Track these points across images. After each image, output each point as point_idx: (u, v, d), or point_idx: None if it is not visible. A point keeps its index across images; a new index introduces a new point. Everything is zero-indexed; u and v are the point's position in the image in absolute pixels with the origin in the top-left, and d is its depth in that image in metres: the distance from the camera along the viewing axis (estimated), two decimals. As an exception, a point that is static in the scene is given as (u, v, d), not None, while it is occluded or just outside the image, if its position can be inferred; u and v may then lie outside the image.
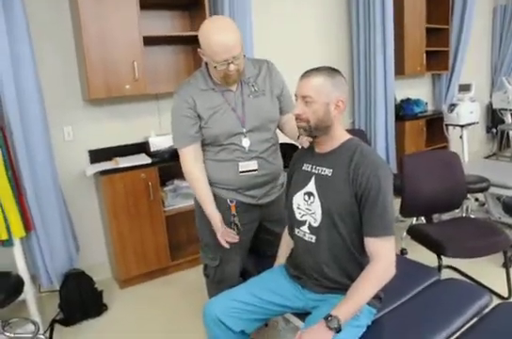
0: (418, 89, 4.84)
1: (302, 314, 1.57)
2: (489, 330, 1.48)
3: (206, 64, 1.73)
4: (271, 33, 3.53)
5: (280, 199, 1.87)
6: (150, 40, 2.74)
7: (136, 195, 2.73)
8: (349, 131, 1.55)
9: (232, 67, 1.60)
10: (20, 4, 2.22)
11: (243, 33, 2.94)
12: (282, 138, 1.94)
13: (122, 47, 2.60)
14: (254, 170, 1.77)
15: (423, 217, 3.11)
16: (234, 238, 1.75)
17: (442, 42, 4.64)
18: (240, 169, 1.76)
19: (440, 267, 2.24)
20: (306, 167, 1.53)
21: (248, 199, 1.82)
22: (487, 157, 5.45)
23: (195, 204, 1.95)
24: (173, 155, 2.58)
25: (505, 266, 2.44)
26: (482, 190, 3.00)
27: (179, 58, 3.13)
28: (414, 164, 2.54)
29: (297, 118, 1.45)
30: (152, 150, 2.91)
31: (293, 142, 1.88)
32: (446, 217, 3.10)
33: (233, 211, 1.81)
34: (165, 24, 3.02)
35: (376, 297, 1.44)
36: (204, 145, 1.80)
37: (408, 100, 4.52)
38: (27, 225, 2.27)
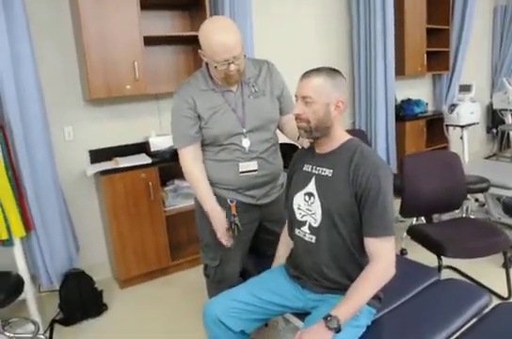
0: (418, 90, 4.84)
1: (302, 315, 1.57)
2: (489, 331, 1.48)
3: (207, 64, 1.73)
4: (271, 33, 3.53)
5: (279, 199, 1.87)
6: (150, 40, 2.75)
7: (137, 195, 2.73)
8: (350, 131, 1.55)
9: (232, 67, 1.60)
10: (20, 3, 2.22)
11: (243, 33, 2.94)
12: (282, 139, 1.94)
13: (123, 47, 2.61)
14: (254, 171, 1.77)
15: (423, 218, 3.11)
16: (230, 241, 1.80)
17: (443, 43, 4.64)
18: (240, 170, 1.76)
19: (439, 268, 2.24)
20: (306, 167, 1.54)
21: (247, 199, 1.82)
22: (487, 158, 5.45)
23: (195, 204, 1.96)
24: (173, 155, 2.58)
25: (505, 266, 2.44)
26: (482, 191, 3.00)
27: (179, 58, 3.14)
28: (414, 164, 2.54)
29: (297, 118, 1.45)
30: (152, 150, 2.91)
31: (293, 142, 1.88)
32: (446, 217, 3.10)
33: (234, 211, 1.81)
34: (165, 24, 3.02)
35: (376, 297, 1.44)
36: (204, 145, 1.80)
37: (409, 100, 4.52)
38: (27, 225, 2.28)
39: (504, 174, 3.23)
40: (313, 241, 1.48)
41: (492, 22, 5.61)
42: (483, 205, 3.58)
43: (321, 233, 1.46)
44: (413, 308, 1.63)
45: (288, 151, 2.05)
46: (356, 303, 1.32)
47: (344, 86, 1.45)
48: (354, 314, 1.33)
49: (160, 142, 2.92)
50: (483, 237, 2.28)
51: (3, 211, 2.12)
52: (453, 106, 3.89)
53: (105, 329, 2.41)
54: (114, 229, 2.70)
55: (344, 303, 1.31)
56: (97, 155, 2.90)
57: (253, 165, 1.77)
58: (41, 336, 2.15)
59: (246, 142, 1.75)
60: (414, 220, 3.32)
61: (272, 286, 1.57)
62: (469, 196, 3.25)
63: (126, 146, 3.00)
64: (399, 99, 4.46)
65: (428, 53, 4.37)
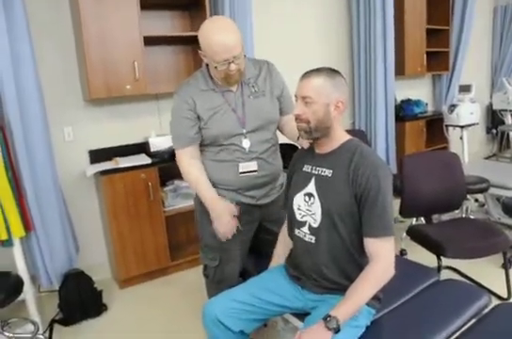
0: (418, 90, 4.84)
1: (301, 315, 1.57)
2: (488, 331, 1.48)
3: (207, 65, 1.73)
4: (271, 33, 3.53)
5: (279, 199, 1.86)
6: (150, 41, 2.75)
7: (136, 195, 2.73)
8: (349, 132, 1.55)
9: (232, 67, 1.60)
10: (20, 3, 2.22)
11: (243, 33, 2.94)
12: (282, 139, 1.94)
13: (123, 47, 2.61)
14: (254, 171, 1.77)
15: (422, 218, 3.11)
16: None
17: (443, 43, 4.64)
18: (240, 170, 1.76)
19: (439, 268, 2.24)
20: (306, 168, 1.54)
21: (247, 199, 1.82)
22: (487, 158, 5.45)
23: (195, 204, 1.96)
24: (173, 156, 2.53)
25: (505, 266, 2.43)
26: (482, 191, 3.00)
27: (179, 58, 3.14)
28: (414, 164, 2.54)
29: (297, 118, 1.45)
30: (152, 150, 2.91)
31: (292, 143, 1.88)
32: (446, 217, 3.10)
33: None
34: (165, 24, 3.02)
35: (375, 297, 1.44)
36: (204, 145, 1.80)
37: (409, 100, 4.52)
38: (27, 225, 2.28)
39: (503, 175, 3.23)
40: (313, 241, 1.48)
41: (492, 22, 5.61)
42: (483, 206, 3.58)
43: (321, 233, 1.46)
44: (413, 308, 1.63)
45: (288, 151, 2.05)
46: (355, 304, 1.32)
47: (343, 86, 1.45)
48: (353, 314, 1.33)
49: (160, 142, 2.92)
50: (482, 238, 2.28)
51: (2, 211, 2.12)
52: (452, 107, 3.89)
53: (105, 329, 2.41)
54: (114, 229, 2.70)
55: (343, 304, 1.31)
56: (97, 156, 2.90)
57: (253, 165, 1.77)
58: (41, 336, 2.15)
59: (246, 143, 1.74)
60: (414, 221, 3.32)
61: (271, 286, 1.57)
62: (468, 196, 3.25)
63: (126, 146, 3.00)
64: (399, 99, 4.46)
65: (428, 53, 4.37)
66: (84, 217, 2.90)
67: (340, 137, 1.48)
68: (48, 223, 2.41)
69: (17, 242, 2.23)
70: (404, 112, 4.39)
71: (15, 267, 2.24)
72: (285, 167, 1.79)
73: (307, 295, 1.53)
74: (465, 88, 3.96)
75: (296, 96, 1.47)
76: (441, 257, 2.24)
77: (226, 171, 1.77)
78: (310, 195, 1.48)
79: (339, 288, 1.44)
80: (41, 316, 2.37)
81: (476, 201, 3.73)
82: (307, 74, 1.44)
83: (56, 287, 2.50)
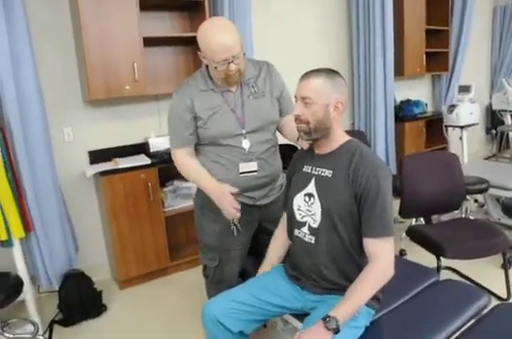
0: (418, 91, 4.85)
1: (301, 315, 1.57)
2: (488, 331, 1.49)
3: (206, 66, 1.73)
4: (271, 33, 3.53)
5: (279, 200, 1.87)
6: (150, 41, 2.75)
7: (136, 196, 2.73)
8: (349, 132, 1.56)
9: (232, 66, 1.60)
10: (20, 4, 2.22)
11: (243, 34, 2.94)
12: (281, 140, 1.94)
13: (122, 48, 2.61)
14: (254, 171, 1.77)
15: (422, 219, 3.11)
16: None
17: (442, 43, 4.64)
18: (240, 171, 1.76)
19: (438, 268, 2.24)
20: (306, 168, 1.54)
21: (247, 200, 1.82)
22: (486, 158, 5.46)
23: (194, 205, 1.96)
24: (173, 156, 2.58)
25: (504, 267, 2.44)
26: (481, 191, 3.00)
27: (179, 59, 3.14)
28: (414, 165, 2.54)
29: (297, 119, 1.46)
30: (151, 150, 2.92)
31: (292, 143, 1.88)
32: (445, 218, 3.10)
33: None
34: (164, 24, 3.02)
35: (375, 298, 1.44)
36: (204, 145, 1.80)
37: (408, 101, 4.52)
38: (27, 226, 2.28)
39: (503, 175, 3.23)
40: (313, 242, 1.48)
41: (492, 22, 5.61)
42: (482, 206, 3.58)
43: (320, 233, 1.46)
44: (412, 309, 1.63)
45: (287, 152, 2.05)
46: (354, 304, 1.32)
47: (343, 87, 1.45)
48: (353, 314, 1.34)
49: (159, 143, 2.92)
50: (482, 238, 2.28)
51: (2, 212, 2.12)
52: (452, 107, 3.90)
53: (105, 329, 2.41)
54: (113, 229, 2.70)
55: (342, 304, 1.31)
56: (96, 156, 2.90)
57: (253, 165, 1.77)
58: (41, 337, 2.16)
59: (245, 143, 1.75)
60: (413, 221, 3.32)
61: (271, 287, 1.57)
62: (468, 197, 3.25)
63: (125, 147, 3.00)
64: (398, 100, 4.46)
65: (427, 53, 4.37)
66: (83, 217, 2.90)
67: (339, 137, 1.49)
68: (48, 224, 2.41)
69: (17, 242, 2.23)
70: (403, 113, 4.39)
71: (15, 268, 2.24)
72: (285, 167, 1.80)
73: (306, 295, 1.54)
74: (464, 89, 3.96)
75: (295, 97, 1.47)
76: (441, 257, 2.24)
77: (226, 172, 1.77)
78: (310, 195, 1.48)
79: (338, 289, 1.45)
80: (41, 317, 2.37)
81: (476, 201, 3.73)
82: (306, 75, 1.45)
83: (56, 288, 2.50)
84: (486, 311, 1.62)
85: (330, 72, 1.44)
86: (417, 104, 4.52)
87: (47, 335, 2.32)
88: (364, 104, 4.08)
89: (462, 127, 3.90)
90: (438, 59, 4.65)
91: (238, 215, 1.73)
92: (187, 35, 2.84)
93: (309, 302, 1.53)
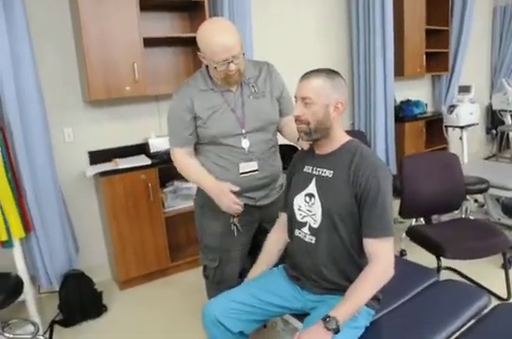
0: (418, 91, 4.85)
1: (301, 315, 1.57)
2: (488, 331, 1.49)
3: (207, 66, 1.74)
4: (271, 33, 3.53)
5: (279, 200, 1.86)
6: (150, 42, 2.75)
7: (136, 196, 2.73)
8: (349, 132, 1.56)
9: (232, 66, 1.60)
10: (20, 4, 2.23)
11: (243, 34, 2.95)
12: (282, 140, 1.94)
13: (122, 48, 2.61)
14: (255, 171, 1.77)
15: (422, 219, 3.11)
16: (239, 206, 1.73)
17: (442, 44, 4.64)
18: (240, 171, 1.76)
19: (438, 269, 2.24)
20: (307, 168, 1.54)
21: (247, 200, 1.81)
22: (486, 158, 5.46)
23: (194, 205, 1.96)
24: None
25: (504, 267, 2.44)
26: (481, 191, 3.00)
27: (179, 60, 3.14)
28: (414, 165, 2.54)
29: (297, 119, 1.46)
30: (151, 151, 2.92)
31: (292, 144, 1.88)
32: (445, 218, 3.10)
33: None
34: (164, 25, 3.02)
35: (375, 298, 1.44)
36: (204, 144, 1.80)
37: (408, 101, 4.52)
38: (27, 226, 2.28)
39: (503, 175, 3.23)
40: (313, 242, 1.48)
41: (492, 22, 5.61)
42: (482, 206, 3.58)
43: (321, 234, 1.46)
44: (412, 309, 1.63)
45: (287, 152, 2.05)
46: (354, 304, 1.32)
47: (343, 87, 1.46)
48: (353, 314, 1.33)
49: (160, 143, 2.92)
50: (482, 238, 2.28)
51: (2, 212, 2.13)
52: (452, 107, 3.90)
53: (105, 330, 2.41)
54: (113, 230, 2.70)
55: (342, 304, 1.31)
56: (96, 157, 2.90)
57: (253, 165, 1.77)
58: (41, 337, 2.16)
59: (245, 143, 1.75)
60: (413, 221, 3.32)
61: (271, 287, 1.57)
62: (468, 197, 3.25)
63: (126, 147, 3.00)
64: (398, 100, 4.46)
65: (428, 54, 4.37)
66: (84, 217, 2.90)
67: (340, 137, 1.49)
68: (48, 224, 2.41)
69: (17, 243, 2.23)
70: (403, 113, 4.39)
71: (15, 268, 2.24)
72: (285, 168, 1.80)
73: (306, 295, 1.54)
74: (464, 89, 3.96)
75: (295, 97, 1.47)
76: (441, 258, 2.24)
77: (226, 172, 1.77)
78: (310, 195, 1.49)
79: (338, 289, 1.45)
80: (41, 317, 2.37)
81: (476, 201, 3.73)
82: (306, 75, 1.45)
83: (56, 288, 2.50)
84: (486, 311, 1.62)
85: (330, 73, 1.44)
86: (417, 104, 4.52)
87: (47, 335, 2.32)
88: (364, 105, 4.08)
89: (462, 127, 3.90)
90: (438, 59, 4.65)
91: (240, 208, 1.72)
92: (187, 35, 2.85)
93: (309, 302, 1.53)
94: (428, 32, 4.34)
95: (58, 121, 2.74)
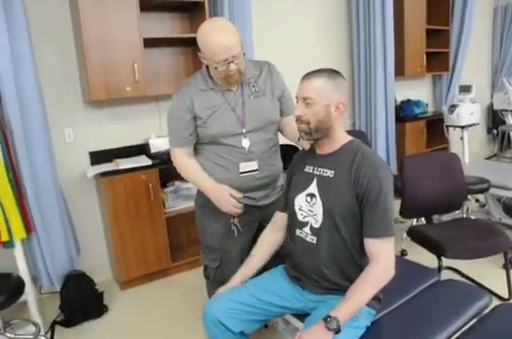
0: (418, 91, 4.84)
1: (301, 316, 1.57)
2: (489, 331, 1.48)
3: (207, 66, 1.74)
4: (271, 34, 3.53)
5: (279, 200, 1.86)
6: (150, 42, 2.75)
7: (137, 196, 2.74)
8: (350, 132, 1.56)
9: (232, 66, 1.60)
10: (20, 4, 2.23)
11: (243, 35, 2.95)
12: (282, 140, 1.94)
13: (122, 49, 2.61)
14: (255, 171, 1.77)
15: (423, 219, 3.11)
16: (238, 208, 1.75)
17: (443, 43, 4.64)
18: (240, 170, 1.76)
19: (439, 268, 2.24)
20: (308, 168, 1.54)
21: (247, 200, 1.82)
22: (487, 158, 5.45)
23: (195, 205, 1.96)
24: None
25: (506, 267, 2.43)
26: (482, 191, 3.00)
27: (179, 60, 3.14)
28: (414, 165, 2.54)
29: (298, 119, 1.46)
30: (152, 151, 2.92)
31: (293, 144, 1.88)
32: (446, 218, 3.10)
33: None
34: (165, 25, 3.03)
35: (376, 298, 1.44)
36: (204, 144, 1.80)
37: (409, 101, 4.52)
38: (28, 227, 2.28)
39: (504, 175, 3.22)
40: (314, 242, 1.48)
41: (492, 22, 5.61)
42: (483, 206, 3.58)
43: (322, 233, 1.46)
44: (413, 309, 1.63)
45: (288, 152, 2.05)
46: (355, 304, 1.32)
47: (344, 87, 1.46)
48: (353, 314, 1.33)
49: (160, 144, 2.92)
50: (483, 238, 2.28)
51: (4, 213, 2.13)
52: (453, 107, 3.90)
53: (106, 330, 2.41)
54: (114, 230, 2.70)
55: (343, 304, 1.31)
56: (97, 157, 2.90)
57: (253, 165, 1.77)
58: (42, 337, 2.17)
59: (245, 142, 1.75)
60: (414, 221, 3.32)
61: (272, 287, 1.57)
62: (469, 196, 3.25)
63: (126, 148, 3.00)
64: (399, 100, 4.46)
65: (428, 53, 4.37)
66: (84, 218, 2.90)
67: (341, 137, 1.49)
68: (49, 224, 2.41)
69: (18, 243, 2.24)
70: (404, 113, 4.39)
71: (16, 269, 2.24)
72: (285, 168, 1.80)
73: (307, 295, 1.54)
74: (465, 89, 3.96)
75: (296, 97, 1.47)
76: (442, 257, 2.24)
77: (226, 172, 1.78)
78: (312, 195, 1.49)
79: (339, 289, 1.45)
80: (43, 318, 2.38)
81: (477, 201, 3.73)
82: (308, 76, 1.45)
83: (58, 289, 2.51)
84: (487, 311, 1.61)
85: (332, 73, 1.44)
86: (418, 104, 4.51)
87: (49, 336, 2.33)
88: (365, 105, 4.08)
89: (463, 127, 3.89)
90: (438, 59, 4.64)
91: (239, 212, 1.73)
92: (187, 36, 2.85)
93: (309, 302, 1.53)
94: (429, 32, 4.34)
95: (59, 121, 2.74)
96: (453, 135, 4.21)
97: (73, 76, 2.78)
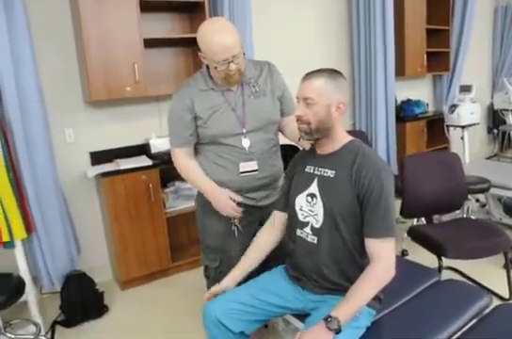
0: (418, 90, 4.84)
1: (302, 316, 1.57)
2: (489, 331, 1.48)
3: (207, 66, 1.74)
4: (271, 34, 3.53)
5: (279, 200, 1.87)
6: (150, 43, 2.75)
7: (137, 197, 2.74)
8: (350, 132, 1.56)
9: (232, 66, 1.60)
10: (21, 4, 2.23)
11: (243, 35, 2.95)
12: (283, 140, 1.94)
13: (123, 49, 2.61)
14: (255, 171, 1.77)
15: (423, 219, 3.11)
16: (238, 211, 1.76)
17: (443, 43, 4.64)
18: (240, 170, 1.76)
19: (440, 268, 2.23)
20: (308, 169, 1.54)
21: (248, 200, 1.82)
22: (488, 158, 5.45)
23: (196, 204, 1.96)
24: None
25: (506, 267, 2.43)
26: (483, 191, 2.99)
27: (179, 60, 3.14)
28: (415, 165, 2.54)
29: (299, 119, 1.46)
30: (152, 151, 2.92)
31: (293, 144, 1.88)
32: (447, 218, 3.10)
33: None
34: (165, 26, 3.03)
35: (376, 298, 1.44)
36: (204, 144, 1.80)
37: (409, 101, 4.52)
38: (29, 227, 2.28)
39: (504, 175, 3.22)
40: (315, 242, 1.48)
41: (493, 22, 5.60)
42: (484, 206, 3.58)
43: (323, 234, 1.46)
44: (413, 309, 1.63)
45: (289, 152, 2.05)
46: (356, 304, 1.32)
47: (345, 87, 1.46)
48: (354, 315, 1.33)
49: (160, 144, 2.92)
50: (484, 238, 2.28)
51: (4, 213, 2.13)
52: (453, 107, 3.89)
53: (106, 330, 2.42)
54: (115, 230, 2.71)
55: (344, 304, 1.31)
56: (98, 157, 2.90)
57: (253, 165, 1.76)
58: (43, 337, 2.17)
59: (245, 142, 1.75)
60: (415, 221, 3.32)
61: (272, 287, 1.57)
62: (469, 196, 3.25)
63: (127, 148, 3.00)
64: (399, 100, 4.46)
65: (428, 53, 4.37)
66: (85, 218, 2.90)
67: (341, 137, 1.49)
68: (49, 224, 2.41)
69: (19, 243, 2.24)
70: (404, 112, 4.39)
71: (17, 269, 2.25)
72: (286, 168, 1.79)
73: (307, 295, 1.54)
74: (466, 89, 3.95)
75: (297, 97, 1.47)
76: (442, 257, 2.24)
77: (226, 171, 1.77)
78: (312, 195, 1.49)
79: (339, 289, 1.45)
80: (43, 318, 2.38)
81: (477, 201, 3.73)
82: (308, 76, 1.45)
83: (58, 289, 2.51)
84: (487, 311, 1.61)
85: (332, 73, 1.44)
86: (418, 104, 4.51)
87: (49, 336, 2.33)
88: (365, 105, 4.08)
89: (463, 127, 3.89)
90: (438, 59, 4.64)
91: (238, 215, 1.74)
92: (188, 36, 2.85)
93: (310, 302, 1.53)
94: (429, 32, 4.34)
95: (59, 121, 2.74)
96: (453, 134, 4.21)
97: (74, 76, 2.78)
